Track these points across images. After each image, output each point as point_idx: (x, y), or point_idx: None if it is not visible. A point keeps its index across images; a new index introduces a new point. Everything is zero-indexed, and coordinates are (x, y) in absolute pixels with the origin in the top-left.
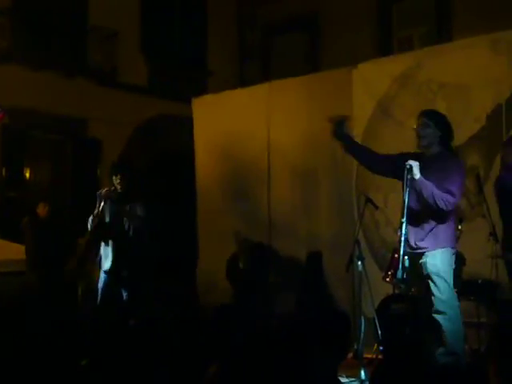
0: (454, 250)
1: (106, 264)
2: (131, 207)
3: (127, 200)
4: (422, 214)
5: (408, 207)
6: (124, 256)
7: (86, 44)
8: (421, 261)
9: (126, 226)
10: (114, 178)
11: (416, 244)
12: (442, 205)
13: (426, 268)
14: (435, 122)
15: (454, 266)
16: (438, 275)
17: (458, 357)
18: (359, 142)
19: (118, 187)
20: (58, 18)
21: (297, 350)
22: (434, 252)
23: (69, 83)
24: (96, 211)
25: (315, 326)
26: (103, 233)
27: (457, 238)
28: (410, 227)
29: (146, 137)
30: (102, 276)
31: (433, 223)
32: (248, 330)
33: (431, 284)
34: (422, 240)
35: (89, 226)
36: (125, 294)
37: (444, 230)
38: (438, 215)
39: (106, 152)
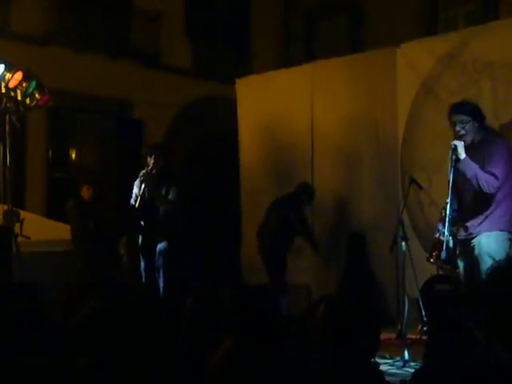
0: (510, 235)
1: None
2: (166, 190)
3: (163, 182)
4: (479, 197)
5: (453, 187)
6: (151, 238)
7: (130, 26)
8: (473, 241)
9: (160, 209)
10: (148, 158)
11: (471, 228)
12: (485, 187)
13: (479, 247)
14: (471, 114)
15: (508, 251)
16: (490, 255)
17: None
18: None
19: (153, 168)
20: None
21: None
22: (489, 233)
23: (113, 65)
24: (137, 192)
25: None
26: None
27: None
28: (465, 212)
29: (189, 118)
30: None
31: (490, 207)
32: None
33: (481, 264)
34: (479, 224)
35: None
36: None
37: (501, 214)
38: (494, 199)
39: (149, 134)
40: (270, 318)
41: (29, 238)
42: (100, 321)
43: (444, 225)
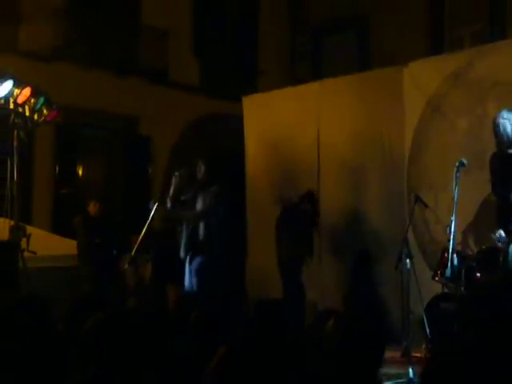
0: None
1: None
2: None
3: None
4: None
5: (457, 205)
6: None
7: (138, 43)
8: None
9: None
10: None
11: None
12: None
13: None
14: None
15: None
16: None
17: None
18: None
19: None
20: (110, 17)
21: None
22: None
23: (121, 82)
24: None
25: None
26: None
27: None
28: None
29: (196, 135)
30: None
31: None
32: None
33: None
34: None
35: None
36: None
37: None
38: None
39: (156, 150)
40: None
41: (35, 253)
42: (106, 331)
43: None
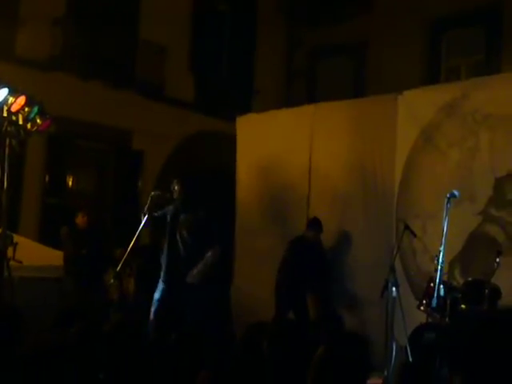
0: None
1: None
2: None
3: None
4: None
5: (446, 236)
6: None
7: (135, 57)
8: None
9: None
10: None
11: None
12: None
13: None
14: None
15: None
16: None
17: None
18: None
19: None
20: (109, 29)
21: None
22: None
23: (116, 94)
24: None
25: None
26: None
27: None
28: None
29: (188, 152)
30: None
31: None
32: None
33: None
34: None
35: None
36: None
37: None
38: None
39: (148, 165)
40: None
41: (21, 262)
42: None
43: None
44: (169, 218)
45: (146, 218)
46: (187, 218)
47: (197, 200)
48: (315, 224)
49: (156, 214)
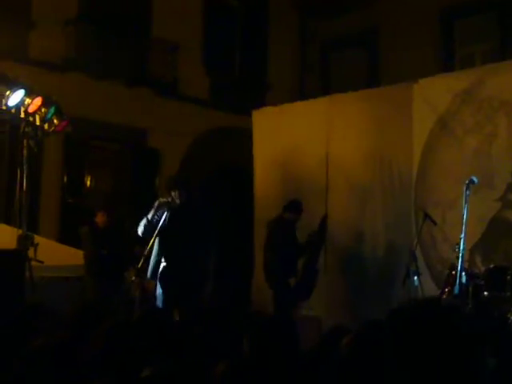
0: None
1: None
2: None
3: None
4: None
5: (466, 223)
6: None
7: (148, 55)
8: None
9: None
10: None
11: None
12: None
13: None
14: None
15: None
16: None
17: None
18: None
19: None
20: (121, 28)
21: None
22: None
23: (130, 93)
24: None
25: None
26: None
27: None
28: None
29: (205, 148)
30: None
31: None
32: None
33: None
34: None
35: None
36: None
37: None
38: None
39: (165, 162)
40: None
41: (42, 262)
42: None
43: None
44: (167, 220)
45: (165, 214)
46: (186, 220)
47: (197, 202)
48: (292, 206)
49: (156, 217)
